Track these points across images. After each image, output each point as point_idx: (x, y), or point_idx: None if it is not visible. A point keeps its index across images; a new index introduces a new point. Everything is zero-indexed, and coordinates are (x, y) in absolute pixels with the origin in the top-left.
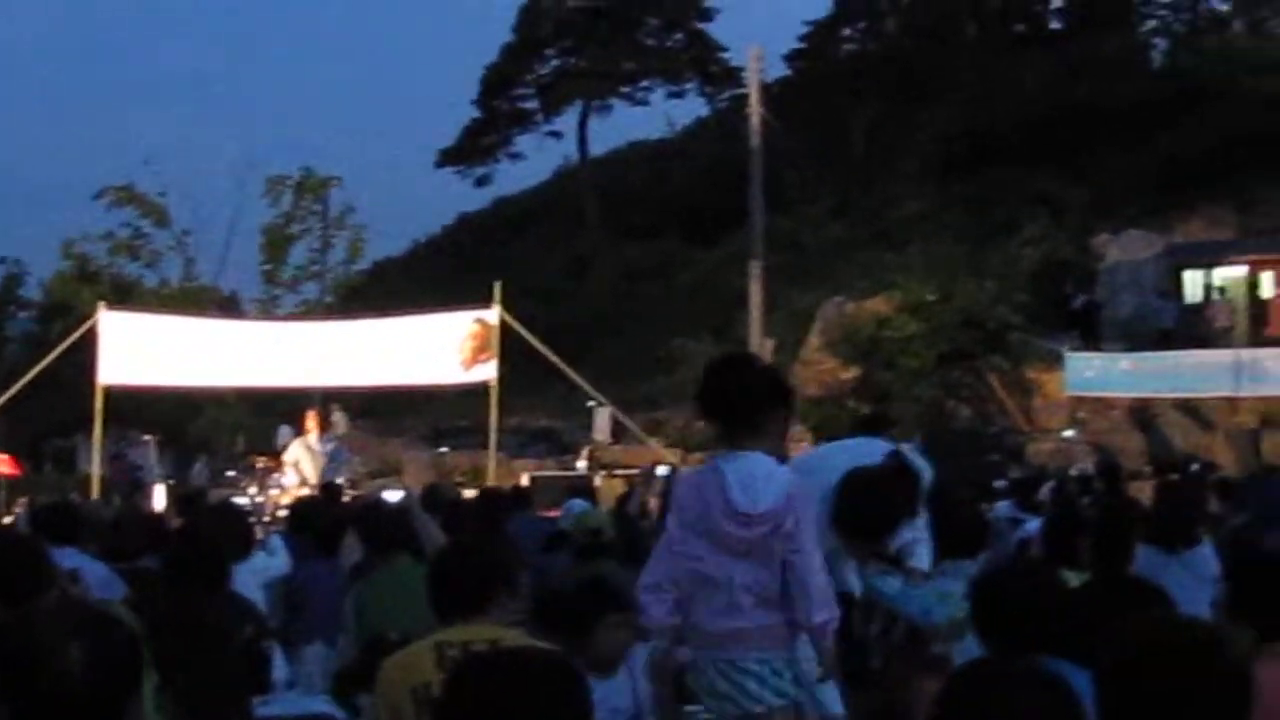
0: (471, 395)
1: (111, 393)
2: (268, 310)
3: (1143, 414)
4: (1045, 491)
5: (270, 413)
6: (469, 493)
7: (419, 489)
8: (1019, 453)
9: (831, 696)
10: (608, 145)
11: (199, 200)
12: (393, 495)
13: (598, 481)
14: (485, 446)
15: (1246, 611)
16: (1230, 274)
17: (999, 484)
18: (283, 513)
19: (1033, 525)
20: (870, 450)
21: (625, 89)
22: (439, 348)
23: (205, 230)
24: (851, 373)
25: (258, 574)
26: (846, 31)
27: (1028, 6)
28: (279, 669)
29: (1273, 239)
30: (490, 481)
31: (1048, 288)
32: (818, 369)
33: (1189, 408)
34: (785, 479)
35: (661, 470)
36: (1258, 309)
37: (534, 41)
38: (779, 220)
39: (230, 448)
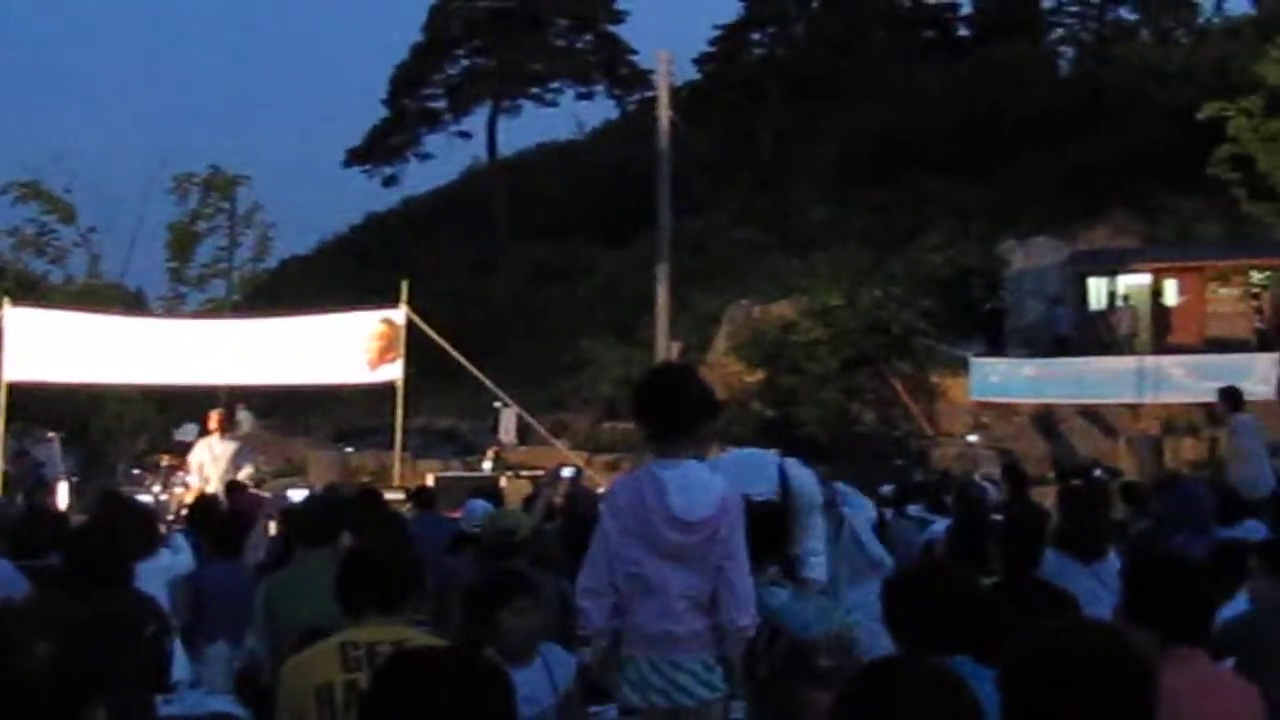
0: (377, 395)
1: (16, 389)
2: (173, 308)
3: (1046, 420)
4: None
5: (175, 410)
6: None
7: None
8: (923, 457)
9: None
10: (517, 146)
11: (106, 197)
12: (297, 494)
13: (503, 482)
14: (391, 446)
15: (1147, 615)
16: (1134, 281)
17: (885, 489)
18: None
19: (939, 527)
20: (758, 463)
21: (534, 90)
22: (345, 347)
23: (112, 228)
24: (757, 376)
25: (161, 572)
26: (755, 36)
27: (936, 14)
28: (182, 668)
29: (1177, 247)
30: (396, 482)
31: (954, 294)
32: (723, 372)
33: (1092, 414)
34: (720, 487)
35: (567, 471)
36: (1161, 316)
37: (443, 41)
38: (686, 223)
39: (134, 446)
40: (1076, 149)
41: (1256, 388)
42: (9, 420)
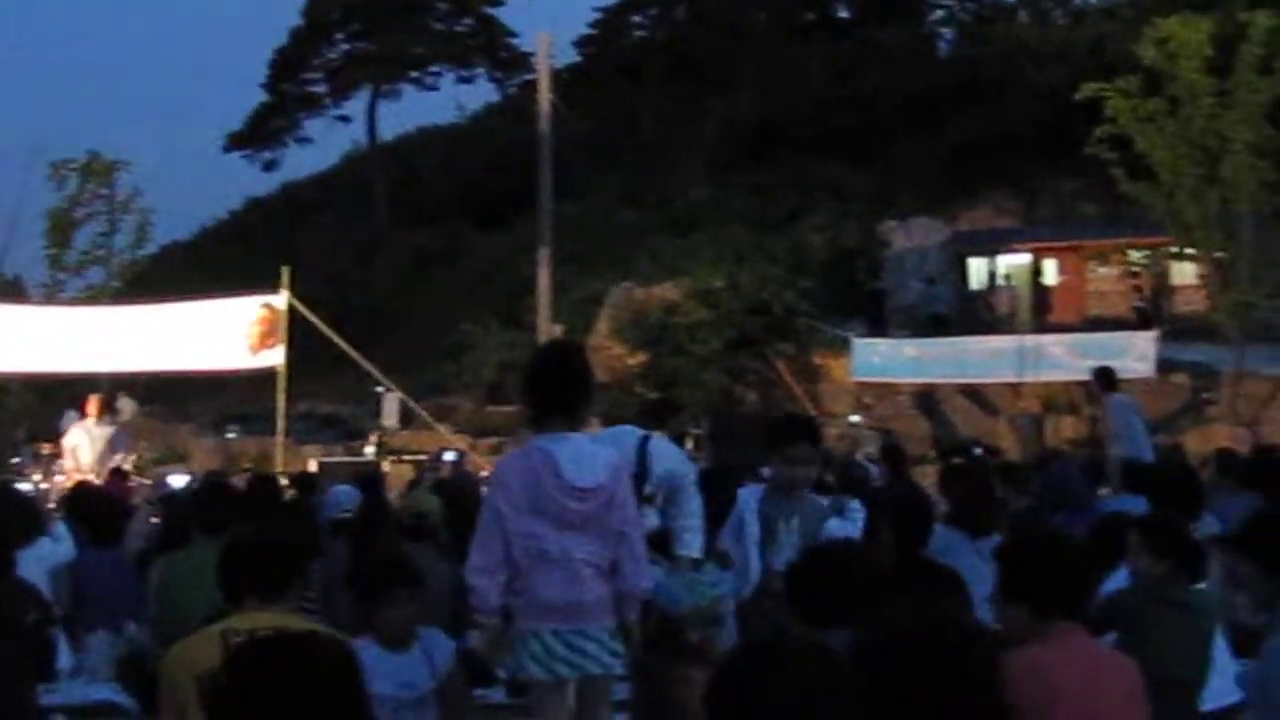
0: (260, 381)
1: None
2: (53, 295)
3: (928, 400)
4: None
5: (56, 398)
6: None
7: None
8: None
9: None
10: (397, 130)
11: None
12: (178, 480)
13: (386, 467)
14: (273, 432)
15: (1021, 591)
16: (1014, 261)
17: (767, 471)
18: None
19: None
20: (620, 438)
21: (414, 73)
22: (226, 333)
23: None
24: (639, 359)
25: (43, 560)
26: (637, 18)
27: None
28: (64, 656)
29: (1056, 227)
30: (278, 468)
31: (836, 274)
32: (606, 355)
33: (973, 393)
34: (608, 455)
35: (449, 455)
36: (1041, 296)
37: (322, 25)
38: (568, 206)
39: (15, 434)
40: (956, 130)
41: (1135, 365)
42: None
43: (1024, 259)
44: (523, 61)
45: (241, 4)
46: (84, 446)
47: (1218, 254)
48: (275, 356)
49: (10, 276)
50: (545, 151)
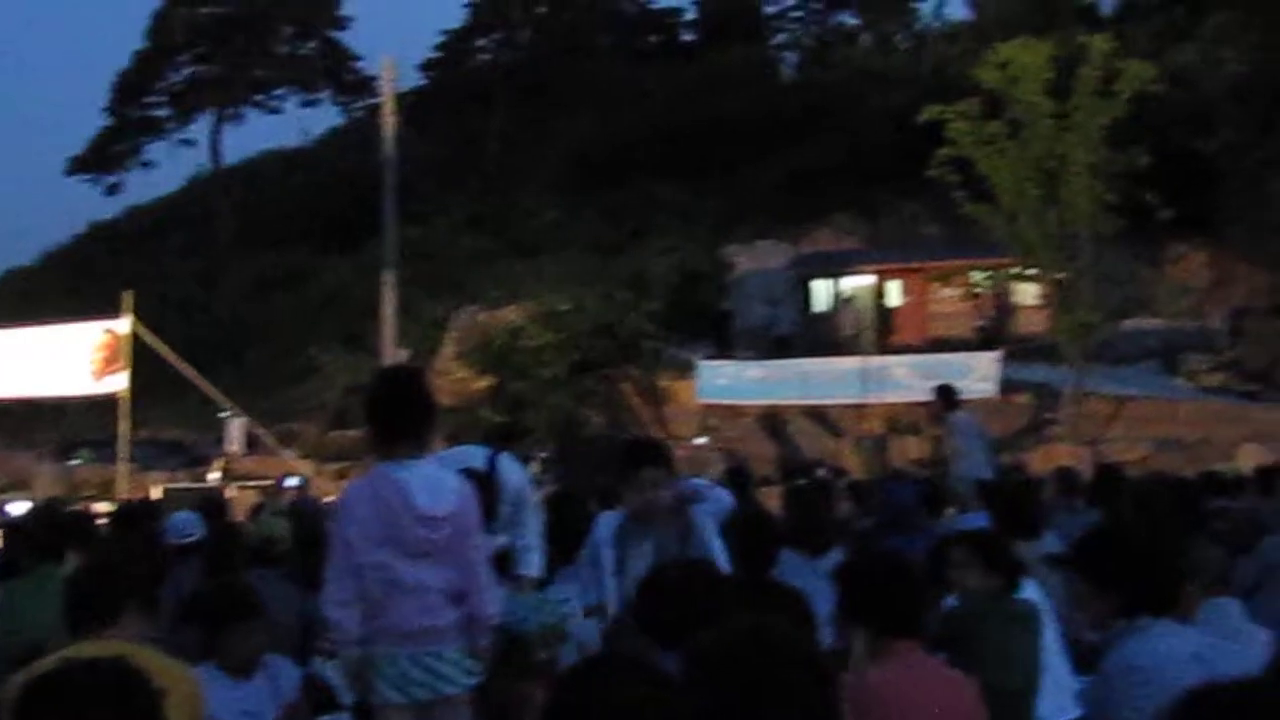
0: (103, 407)
1: None
2: None
3: (773, 421)
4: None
5: None
6: (100, 506)
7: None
8: None
9: None
10: (242, 154)
11: None
12: (19, 508)
13: (231, 493)
14: (116, 459)
15: (859, 611)
16: (858, 283)
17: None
18: None
19: None
20: (468, 457)
21: (258, 97)
22: (69, 358)
23: None
24: (485, 382)
25: None
26: (481, 42)
27: (661, 18)
28: None
29: (899, 249)
30: (121, 494)
31: (681, 297)
32: (451, 379)
33: (818, 414)
34: (456, 482)
35: (291, 481)
36: (884, 317)
37: (166, 48)
38: (413, 230)
39: None
40: (799, 153)
41: (978, 386)
42: None
43: (867, 281)
44: (367, 85)
45: (84, 26)
46: None
47: (1058, 275)
48: (119, 382)
49: None
50: (390, 175)
